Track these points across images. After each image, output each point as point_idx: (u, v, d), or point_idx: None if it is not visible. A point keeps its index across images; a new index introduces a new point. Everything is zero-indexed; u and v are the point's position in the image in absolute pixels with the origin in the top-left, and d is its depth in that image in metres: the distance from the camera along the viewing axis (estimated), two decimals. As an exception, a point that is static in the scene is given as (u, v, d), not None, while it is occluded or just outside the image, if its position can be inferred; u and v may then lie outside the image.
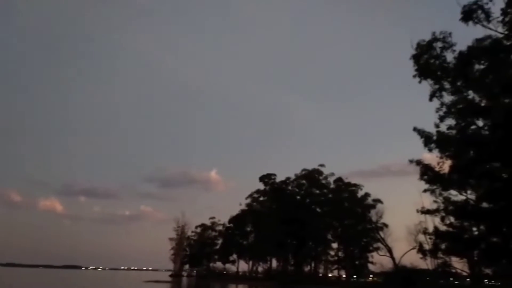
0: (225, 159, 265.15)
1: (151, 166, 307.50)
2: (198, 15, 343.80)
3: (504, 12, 26.19)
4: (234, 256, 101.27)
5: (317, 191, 77.07)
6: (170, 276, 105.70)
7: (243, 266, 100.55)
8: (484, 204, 33.02)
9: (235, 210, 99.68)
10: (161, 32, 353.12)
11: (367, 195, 66.37)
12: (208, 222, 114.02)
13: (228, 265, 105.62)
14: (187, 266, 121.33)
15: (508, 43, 27.13)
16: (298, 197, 78.92)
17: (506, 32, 26.73)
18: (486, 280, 44.61)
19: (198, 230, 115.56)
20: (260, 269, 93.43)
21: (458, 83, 31.13)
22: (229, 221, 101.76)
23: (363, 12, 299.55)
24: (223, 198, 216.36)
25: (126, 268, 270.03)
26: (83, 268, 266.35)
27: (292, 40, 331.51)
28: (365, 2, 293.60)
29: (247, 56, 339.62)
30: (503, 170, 30.08)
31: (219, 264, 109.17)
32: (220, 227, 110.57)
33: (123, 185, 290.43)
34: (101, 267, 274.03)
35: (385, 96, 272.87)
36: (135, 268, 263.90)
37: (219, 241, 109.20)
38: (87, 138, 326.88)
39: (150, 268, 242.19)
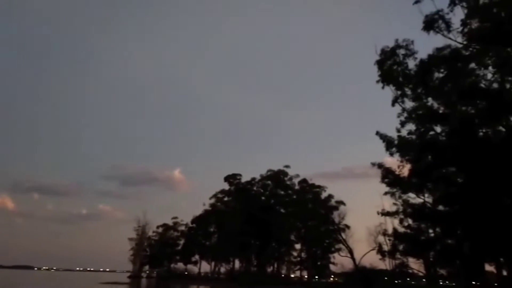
0: (189, 158, 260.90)
1: (110, 163, 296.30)
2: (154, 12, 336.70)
3: (463, 23, 27.29)
4: (196, 257, 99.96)
5: (282, 192, 77.54)
6: (129, 277, 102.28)
7: (205, 267, 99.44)
8: (440, 207, 34.43)
9: (198, 210, 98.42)
10: (119, 29, 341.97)
11: (330, 196, 67.50)
12: (170, 222, 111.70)
13: (190, 266, 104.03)
14: (147, 267, 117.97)
15: (467, 53, 28.26)
16: (263, 198, 79.06)
17: (465, 42, 27.86)
18: (440, 281, 46.66)
19: (160, 230, 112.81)
20: (222, 270, 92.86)
21: (419, 90, 32.15)
22: (192, 221, 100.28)
23: (329, 14, 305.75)
24: (187, 198, 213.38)
25: (82, 269, 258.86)
26: (36, 268, 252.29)
27: (257, 40, 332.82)
28: (331, 6, 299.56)
29: (212, 56, 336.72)
30: (458, 175, 31.42)
31: (180, 265, 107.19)
32: (183, 227, 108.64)
33: (80, 182, 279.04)
34: (55, 268, 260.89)
35: (351, 99, 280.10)
36: (92, 269, 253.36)
37: (181, 242, 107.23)
38: (42, 133, 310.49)
39: (108, 269, 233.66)
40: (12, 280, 67.88)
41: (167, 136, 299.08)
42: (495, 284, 31.18)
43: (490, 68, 28.41)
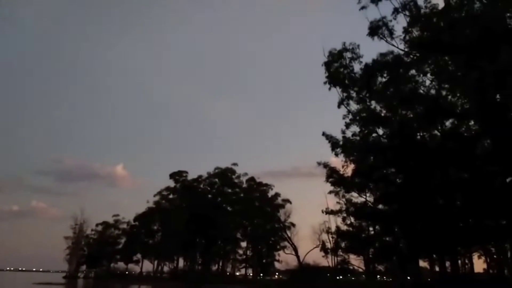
0: (133, 154, 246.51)
1: (45, 157, 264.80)
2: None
3: (405, 30, 28.45)
4: (138, 255, 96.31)
5: (229, 190, 76.88)
6: (64, 277, 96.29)
7: (147, 266, 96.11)
8: (380, 206, 36.00)
9: (141, 208, 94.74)
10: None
11: (277, 195, 68.24)
12: (111, 220, 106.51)
13: (131, 265, 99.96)
14: (84, 267, 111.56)
15: (408, 60, 29.58)
16: (210, 196, 77.83)
17: (406, 49, 29.10)
18: (378, 276, 49.03)
19: (99, 228, 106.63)
20: (166, 269, 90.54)
21: (363, 93, 33.22)
22: (135, 219, 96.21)
23: (278, 14, 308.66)
24: (130, 195, 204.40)
25: (12, 269, 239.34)
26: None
27: (207, 39, 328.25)
28: (279, 7, 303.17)
29: (161, 53, 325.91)
30: (397, 175, 32.99)
31: (121, 265, 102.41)
32: (124, 225, 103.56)
33: (10, 176, 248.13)
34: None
35: (300, 99, 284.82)
36: (24, 269, 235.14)
37: (123, 240, 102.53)
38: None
39: (41, 269, 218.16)
40: None
41: (109, 131, 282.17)
42: (428, 279, 33.19)
43: (428, 75, 30.08)
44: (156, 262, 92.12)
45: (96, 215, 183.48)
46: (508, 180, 23.68)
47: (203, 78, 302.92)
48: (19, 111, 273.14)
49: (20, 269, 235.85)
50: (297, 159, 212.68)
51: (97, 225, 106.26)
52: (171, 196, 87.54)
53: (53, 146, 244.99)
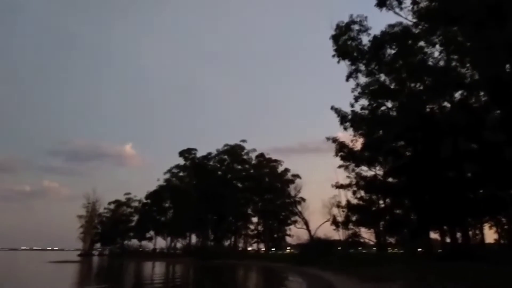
0: (141, 133, 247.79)
1: (54, 138, 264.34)
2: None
3: (413, 1, 27.67)
4: (151, 233, 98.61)
5: (239, 167, 77.55)
6: (79, 255, 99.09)
7: (160, 242, 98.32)
8: (390, 179, 36.18)
9: (152, 186, 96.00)
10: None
11: (286, 170, 68.71)
12: (122, 198, 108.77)
13: (144, 242, 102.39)
14: (98, 245, 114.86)
15: (416, 31, 28.95)
16: (219, 173, 78.68)
17: (415, 21, 28.42)
18: (389, 248, 49.76)
19: (112, 206, 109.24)
20: (178, 245, 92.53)
21: (372, 66, 32.69)
22: (146, 197, 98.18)
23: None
24: (139, 173, 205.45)
25: (27, 248, 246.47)
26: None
27: (210, 16, 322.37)
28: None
29: (165, 32, 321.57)
30: (406, 148, 32.97)
31: (134, 242, 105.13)
32: (136, 203, 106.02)
33: (21, 158, 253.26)
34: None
35: (307, 74, 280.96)
36: (38, 248, 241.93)
37: (135, 218, 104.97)
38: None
39: (56, 248, 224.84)
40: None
41: (117, 110, 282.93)
42: (439, 250, 33.62)
43: (437, 46, 29.43)
44: (169, 239, 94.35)
45: (107, 194, 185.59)
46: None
47: (211, 56, 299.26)
48: (27, 93, 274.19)
49: (35, 248, 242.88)
50: (304, 135, 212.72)
51: (109, 203, 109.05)
52: (181, 174, 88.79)
53: (62, 127, 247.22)
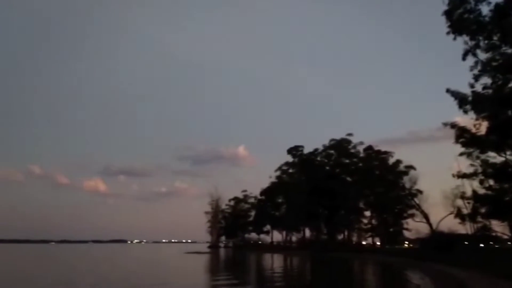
0: (251, 135, 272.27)
1: (181, 145, 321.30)
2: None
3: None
4: (268, 227, 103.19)
5: (347, 161, 76.29)
6: (209, 247, 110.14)
7: (277, 236, 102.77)
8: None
9: (265, 184, 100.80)
10: (162, 11, 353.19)
11: (398, 162, 64.83)
12: (240, 195, 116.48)
13: (262, 236, 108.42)
14: (223, 238, 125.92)
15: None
16: (327, 168, 78.51)
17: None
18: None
19: (231, 203, 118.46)
20: (293, 239, 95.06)
21: (494, 38, 29.02)
22: (261, 194, 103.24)
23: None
24: (252, 172, 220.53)
25: (167, 241, 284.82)
26: (129, 242, 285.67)
27: (308, 12, 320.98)
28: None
29: (262, 35, 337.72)
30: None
31: (253, 235, 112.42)
32: (252, 200, 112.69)
33: (157, 164, 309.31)
34: (144, 241, 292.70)
35: (408, 64, 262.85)
36: (175, 241, 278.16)
37: (252, 213, 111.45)
38: (121, 121, 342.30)
39: (189, 241, 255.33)
40: (120, 250, 77.60)
41: (229, 116, 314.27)
42: None
43: None
44: (284, 233, 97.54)
45: (226, 192, 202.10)
46: None
47: (306, 53, 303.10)
48: (163, 111, 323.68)
49: (172, 241, 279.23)
50: (413, 124, 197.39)
51: (229, 200, 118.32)
52: (290, 170, 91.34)
53: (187, 135, 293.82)
